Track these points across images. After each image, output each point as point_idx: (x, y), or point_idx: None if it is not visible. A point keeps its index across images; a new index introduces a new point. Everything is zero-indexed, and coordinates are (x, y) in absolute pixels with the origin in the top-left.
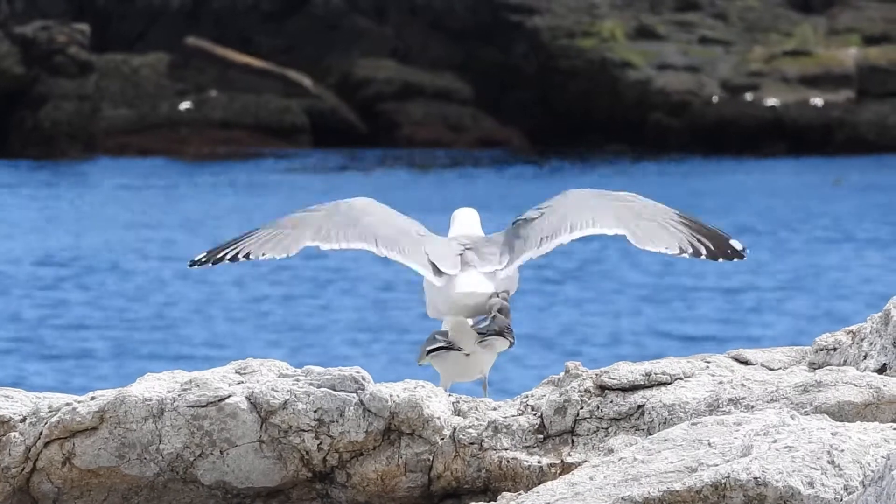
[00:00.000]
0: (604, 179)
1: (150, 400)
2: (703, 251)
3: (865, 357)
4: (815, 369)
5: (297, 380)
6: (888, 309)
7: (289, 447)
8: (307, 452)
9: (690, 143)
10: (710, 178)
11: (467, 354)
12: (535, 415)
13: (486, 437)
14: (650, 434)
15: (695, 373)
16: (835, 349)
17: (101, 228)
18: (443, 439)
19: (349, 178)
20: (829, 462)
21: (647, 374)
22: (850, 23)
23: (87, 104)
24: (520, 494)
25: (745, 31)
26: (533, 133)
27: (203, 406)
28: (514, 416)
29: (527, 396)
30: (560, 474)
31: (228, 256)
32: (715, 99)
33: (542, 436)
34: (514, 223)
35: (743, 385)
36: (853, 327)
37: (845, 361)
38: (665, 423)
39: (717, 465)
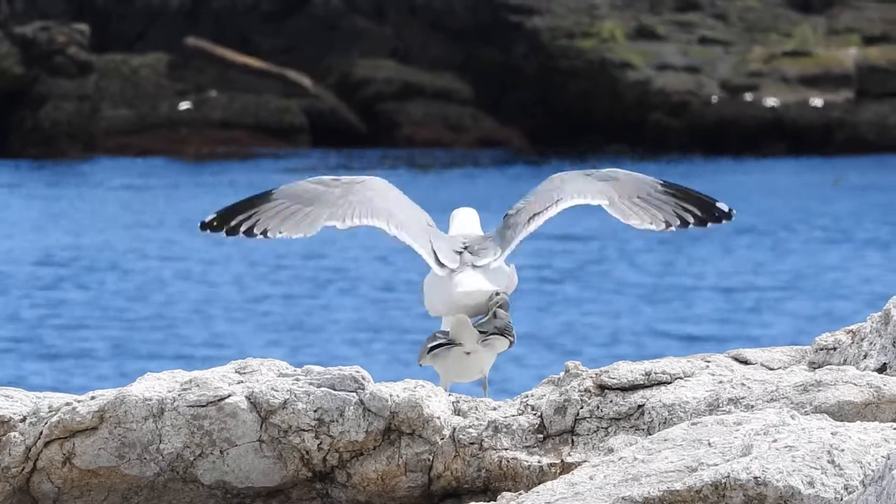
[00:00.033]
0: None
1: (150, 400)
2: (691, 219)
3: (865, 356)
4: (815, 369)
5: (297, 379)
6: (888, 308)
7: (289, 447)
8: (307, 452)
9: (690, 143)
10: (709, 178)
11: (468, 353)
12: (535, 414)
13: (486, 436)
14: (650, 434)
15: (695, 372)
16: (835, 349)
17: (101, 228)
18: (443, 439)
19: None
20: (829, 462)
21: (647, 374)
22: (850, 23)
23: (86, 104)
24: (520, 494)
25: (745, 31)
26: (533, 133)
27: (203, 406)
28: (514, 415)
29: (527, 396)
30: (560, 474)
31: (244, 229)
32: (715, 99)
33: (542, 435)
34: (504, 216)
35: (743, 385)
36: (853, 327)
37: (845, 361)
38: (665, 422)
39: (717, 465)
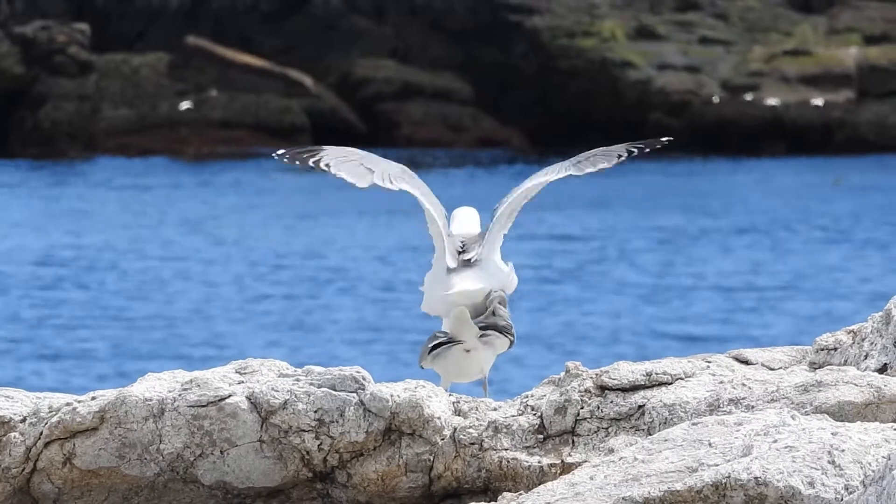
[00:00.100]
0: (603, 179)
1: (151, 400)
2: (636, 150)
3: (866, 357)
4: (815, 369)
5: (298, 380)
6: (889, 308)
7: (289, 447)
8: (307, 452)
9: (690, 143)
10: (710, 178)
11: (468, 351)
12: (535, 415)
13: (487, 437)
14: (650, 434)
15: (695, 373)
16: (835, 349)
17: (101, 228)
18: (443, 439)
19: None
20: (829, 462)
21: (647, 374)
22: (851, 22)
23: (87, 104)
24: (520, 494)
25: (746, 30)
26: (533, 133)
27: (203, 406)
28: (514, 416)
29: (527, 396)
30: (560, 474)
31: (311, 161)
32: (715, 99)
33: (542, 436)
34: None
35: (743, 385)
36: (854, 327)
37: (846, 361)
38: (665, 423)
39: (717, 465)
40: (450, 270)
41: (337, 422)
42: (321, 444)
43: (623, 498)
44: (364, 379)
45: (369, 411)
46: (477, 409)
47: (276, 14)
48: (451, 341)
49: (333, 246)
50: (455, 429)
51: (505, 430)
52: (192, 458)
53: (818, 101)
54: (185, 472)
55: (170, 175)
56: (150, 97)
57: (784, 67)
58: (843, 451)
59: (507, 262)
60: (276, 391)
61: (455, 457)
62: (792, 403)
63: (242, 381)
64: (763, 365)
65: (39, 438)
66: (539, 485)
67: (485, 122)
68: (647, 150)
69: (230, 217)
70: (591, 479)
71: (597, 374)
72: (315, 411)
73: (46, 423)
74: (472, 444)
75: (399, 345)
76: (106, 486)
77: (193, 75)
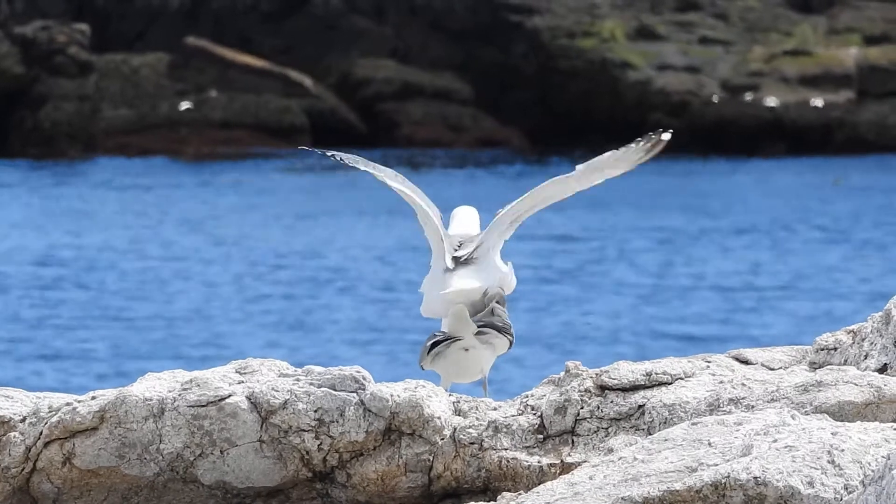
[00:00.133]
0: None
1: (151, 399)
2: (633, 145)
3: (866, 357)
4: (815, 369)
5: (298, 379)
6: (889, 308)
7: (289, 447)
8: (307, 452)
9: (690, 143)
10: (709, 178)
11: (466, 349)
12: (535, 415)
13: (487, 437)
14: (650, 434)
15: (695, 372)
16: (835, 349)
17: (101, 228)
18: (443, 439)
19: (349, 178)
20: (829, 462)
21: (647, 374)
22: (851, 22)
23: (86, 104)
24: (520, 494)
25: (745, 31)
26: (533, 133)
27: (203, 406)
28: (514, 415)
29: (527, 396)
30: (560, 474)
31: (338, 157)
32: (715, 99)
33: (542, 436)
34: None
35: (743, 385)
36: (854, 327)
37: (846, 361)
38: (665, 422)
39: (717, 465)
40: (447, 270)
41: (337, 422)
42: (321, 443)
43: (622, 498)
44: (364, 379)
45: (369, 411)
46: (477, 409)
47: (276, 14)
48: (448, 339)
49: (333, 246)
50: (455, 429)
51: (505, 429)
52: (191, 458)
53: (818, 102)
54: (185, 471)
55: (170, 175)
56: (149, 97)
57: (784, 67)
58: (842, 450)
59: (506, 262)
60: (276, 391)
61: (455, 457)
62: (792, 403)
63: (242, 381)
64: (763, 365)
65: (39, 438)
66: (539, 485)
67: (485, 122)
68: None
69: (230, 217)
70: (591, 478)
71: (597, 374)
72: (315, 411)
73: (46, 423)
74: (472, 443)
75: (399, 345)
76: (106, 485)
77: (193, 75)
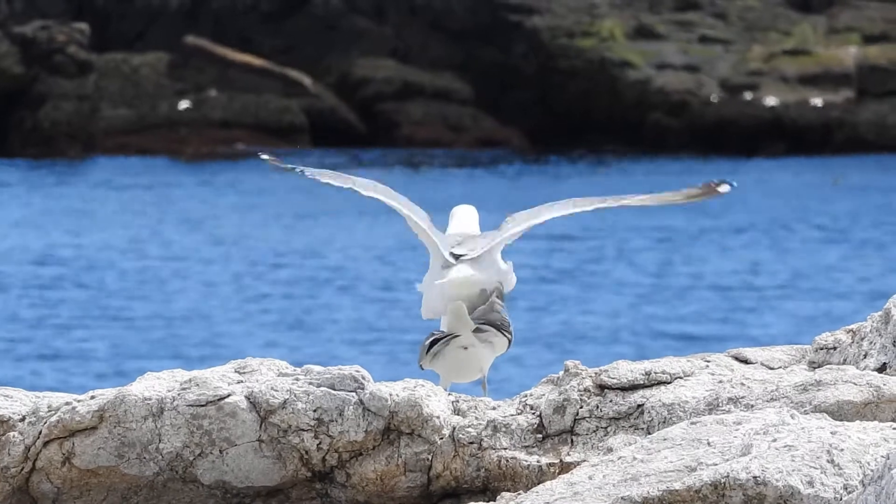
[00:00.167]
0: (603, 179)
1: (150, 399)
2: (688, 191)
3: (865, 356)
4: (814, 368)
5: (297, 379)
6: (888, 308)
7: (288, 447)
8: (306, 452)
9: (689, 142)
10: (709, 177)
11: (465, 348)
12: (534, 414)
13: (486, 436)
14: (650, 433)
15: (694, 372)
16: (835, 348)
17: (101, 228)
18: (442, 439)
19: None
20: (828, 461)
21: (646, 374)
22: (850, 22)
23: (86, 104)
24: (519, 494)
25: (745, 30)
26: (533, 133)
27: (202, 405)
28: (513, 415)
29: (526, 396)
30: (559, 474)
31: (297, 169)
32: (714, 99)
33: (541, 435)
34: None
35: (742, 384)
36: (853, 326)
37: (845, 360)
38: (664, 422)
39: (716, 465)
40: (445, 266)
41: (336, 421)
42: (320, 443)
43: (622, 497)
44: (363, 378)
45: (368, 410)
46: (476, 409)
47: (276, 14)
48: (447, 336)
49: (333, 245)
50: (454, 428)
51: (504, 429)
52: (191, 458)
53: (817, 101)
54: (185, 471)
55: (169, 175)
56: (149, 97)
57: (783, 67)
58: (842, 450)
59: (506, 261)
60: (276, 390)
61: (454, 456)
62: (791, 402)
63: (241, 381)
64: (762, 364)
65: (38, 438)
66: (538, 484)
67: (485, 122)
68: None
69: (230, 217)
70: (590, 478)
71: (596, 374)
72: (314, 410)
73: (45, 423)
74: (471, 443)
75: (398, 344)
76: (105, 485)
77: (193, 75)
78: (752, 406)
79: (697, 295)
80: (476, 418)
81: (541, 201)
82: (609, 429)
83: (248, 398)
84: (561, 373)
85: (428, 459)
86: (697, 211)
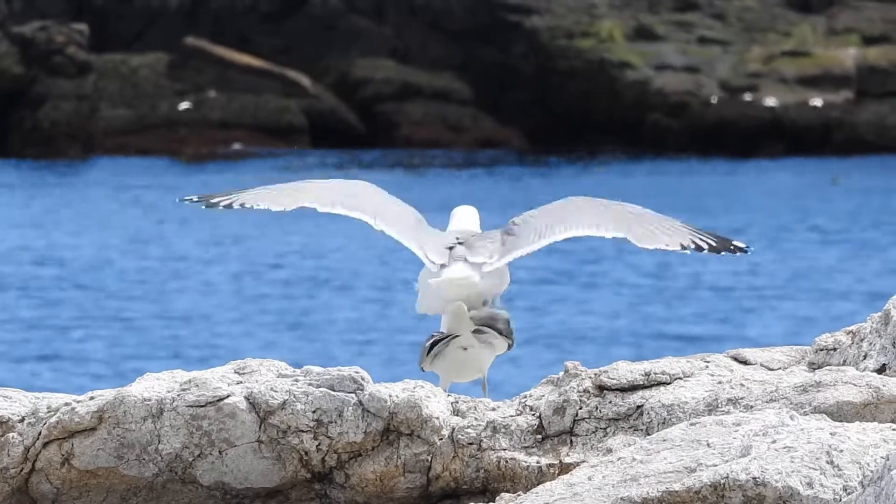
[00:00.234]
0: (603, 179)
1: (150, 400)
2: (705, 246)
3: (865, 357)
4: (814, 369)
5: (296, 380)
6: (888, 309)
7: (287, 447)
8: (306, 453)
9: (689, 143)
10: (708, 178)
11: (465, 348)
12: (533, 415)
13: (485, 437)
14: (649, 434)
15: (694, 373)
16: (834, 349)
17: (100, 228)
18: (441, 440)
19: (348, 179)
20: (828, 462)
21: (646, 374)
22: (850, 23)
23: (85, 104)
24: (518, 495)
25: (744, 31)
26: (532, 133)
27: (202, 406)
28: (512, 416)
29: (525, 396)
30: (558, 475)
31: (223, 204)
32: (714, 99)
33: (540, 436)
34: (509, 222)
35: (742, 385)
36: (853, 327)
37: (845, 361)
38: (664, 423)
39: (716, 466)
40: (442, 266)
41: (335, 422)
42: (320, 444)
43: (621, 498)
44: (363, 379)
45: (368, 411)
46: (475, 409)
47: (276, 14)
48: (447, 337)
49: (332, 246)
50: (453, 429)
51: (503, 430)
52: (190, 459)
53: (817, 102)
54: (184, 472)
55: (169, 175)
56: (148, 97)
57: (783, 68)
58: (841, 451)
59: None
60: (275, 391)
61: (453, 457)
62: (791, 403)
63: (241, 382)
64: (762, 365)
65: (38, 438)
66: (537, 485)
67: (484, 123)
68: (714, 250)
69: (229, 217)
70: (590, 479)
71: (595, 374)
72: (313, 411)
73: (45, 423)
74: (471, 444)
75: (398, 345)
76: (104, 486)
77: (192, 75)
78: (752, 407)
79: (697, 295)
80: (475, 419)
81: (540, 201)
82: (608, 430)
83: (247, 399)
84: (560, 374)
85: (427, 460)
86: (697, 211)
